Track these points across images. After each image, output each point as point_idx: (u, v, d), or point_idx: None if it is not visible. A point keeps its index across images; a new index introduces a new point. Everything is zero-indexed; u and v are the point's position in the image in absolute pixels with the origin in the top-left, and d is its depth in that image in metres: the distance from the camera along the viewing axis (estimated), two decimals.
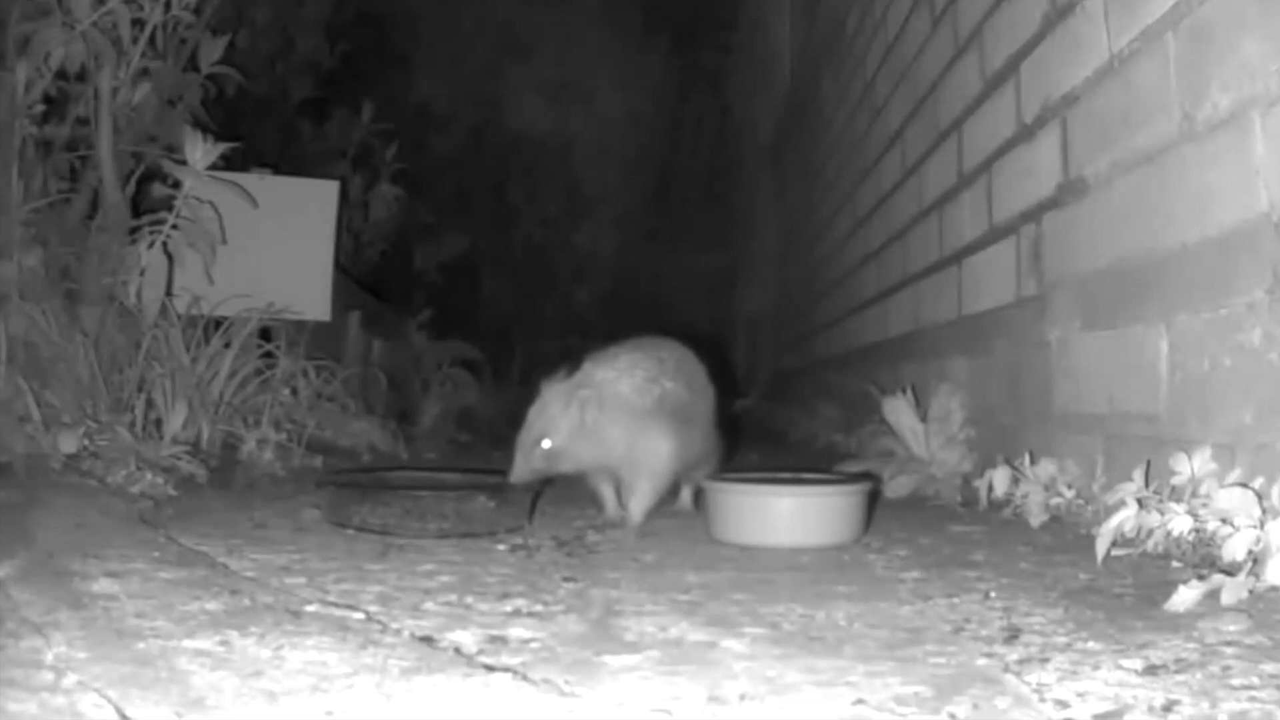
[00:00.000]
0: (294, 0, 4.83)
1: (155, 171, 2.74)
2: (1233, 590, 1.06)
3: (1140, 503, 1.28)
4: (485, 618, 1.03)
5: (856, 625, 1.03)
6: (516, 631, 0.98)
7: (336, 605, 1.06)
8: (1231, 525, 1.13)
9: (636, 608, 1.10)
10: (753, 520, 1.55)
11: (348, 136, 5.10)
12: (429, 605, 1.08)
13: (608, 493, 1.80)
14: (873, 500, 1.68)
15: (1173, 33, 1.42)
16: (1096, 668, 0.87)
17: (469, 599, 1.12)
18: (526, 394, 1.75)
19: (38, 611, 0.97)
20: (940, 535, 1.65)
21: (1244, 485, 1.16)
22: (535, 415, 1.69)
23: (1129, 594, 1.16)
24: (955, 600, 1.15)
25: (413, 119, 6.11)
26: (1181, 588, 1.07)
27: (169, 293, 2.55)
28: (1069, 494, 1.68)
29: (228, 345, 2.59)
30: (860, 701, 0.78)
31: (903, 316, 2.92)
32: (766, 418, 4.86)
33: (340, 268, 3.79)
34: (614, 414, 1.69)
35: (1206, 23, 1.35)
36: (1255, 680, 0.83)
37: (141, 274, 2.49)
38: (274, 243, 3.15)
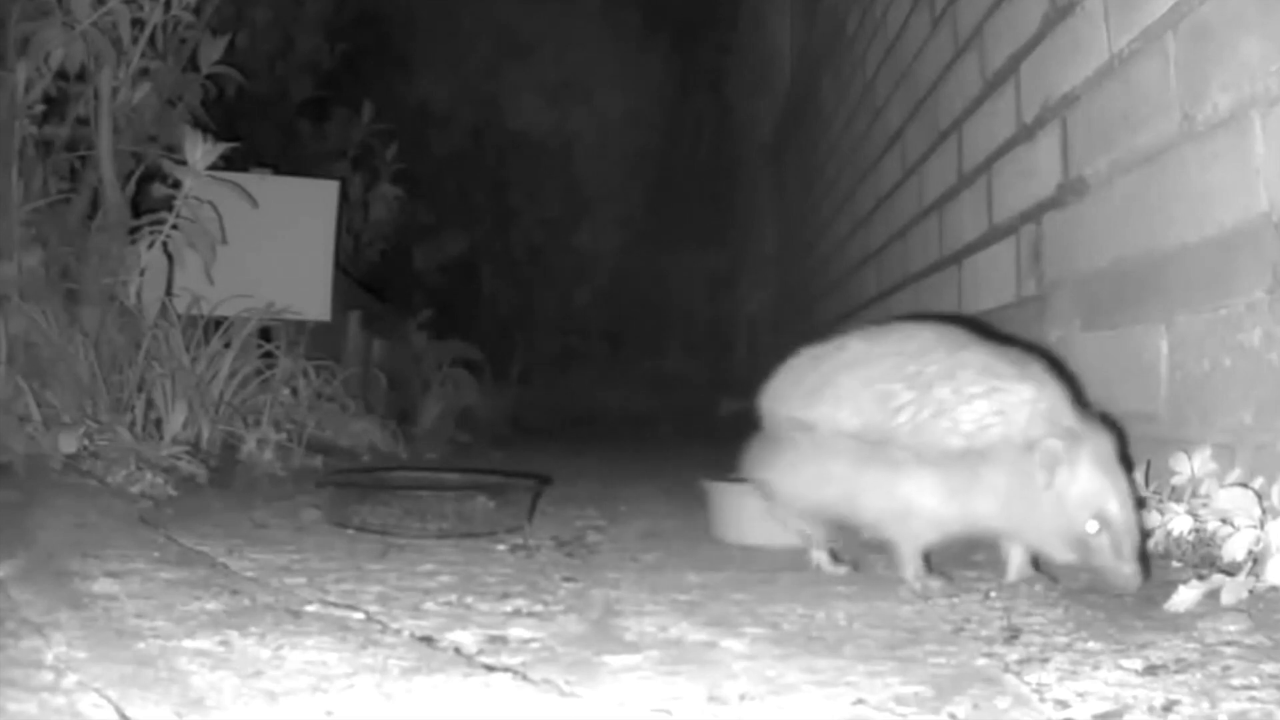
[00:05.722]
0: (294, 0, 4.83)
1: (155, 171, 2.74)
2: (1233, 590, 1.06)
3: (1140, 502, 1.28)
4: (485, 618, 1.03)
5: (856, 625, 1.03)
6: (516, 631, 0.98)
7: (336, 605, 1.06)
8: (1231, 525, 1.13)
9: (637, 608, 1.10)
10: (754, 520, 1.55)
11: (348, 136, 5.10)
12: (429, 605, 1.08)
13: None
14: None
15: (1173, 33, 1.42)
16: (1096, 668, 0.87)
17: (469, 599, 1.12)
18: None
19: (38, 611, 0.97)
20: None
21: (1244, 485, 1.16)
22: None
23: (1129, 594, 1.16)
24: (955, 600, 1.15)
25: (413, 119, 6.11)
26: (1181, 588, 1.07)
27: (169, 293, 2.55)
28: None
29: (228, 345, 2.59)
30: (860, 701, 0.78)
31: (903, 316, 2.92)
32: None
33: (340, 268, 3.79)
34: None
35: (1206, 23, 1.35)
36: (1255, 680, 0.83)
37: (141, 274, 2.49)
38: (274, 243, 3.15)
